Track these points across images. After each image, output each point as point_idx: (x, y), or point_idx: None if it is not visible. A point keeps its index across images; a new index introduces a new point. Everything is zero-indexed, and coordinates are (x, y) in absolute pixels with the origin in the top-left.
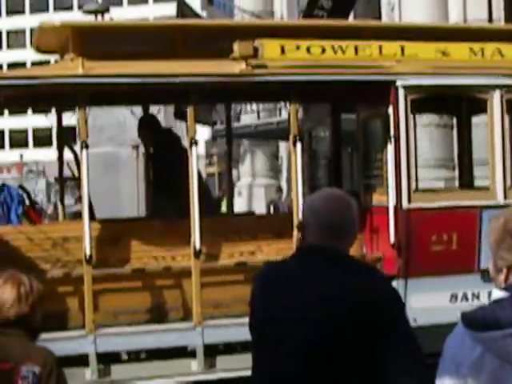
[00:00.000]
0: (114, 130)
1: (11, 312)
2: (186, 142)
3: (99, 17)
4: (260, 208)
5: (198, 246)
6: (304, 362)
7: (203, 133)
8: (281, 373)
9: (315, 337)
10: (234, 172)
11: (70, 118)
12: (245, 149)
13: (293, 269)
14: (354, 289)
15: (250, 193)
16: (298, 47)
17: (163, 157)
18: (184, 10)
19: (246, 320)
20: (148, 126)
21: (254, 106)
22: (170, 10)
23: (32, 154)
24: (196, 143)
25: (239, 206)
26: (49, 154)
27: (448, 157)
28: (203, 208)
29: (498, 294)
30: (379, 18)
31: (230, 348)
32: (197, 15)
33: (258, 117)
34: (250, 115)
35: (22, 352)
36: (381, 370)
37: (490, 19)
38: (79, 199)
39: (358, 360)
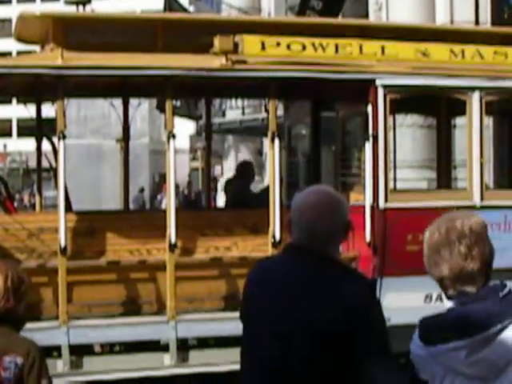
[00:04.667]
0: (99, 121)
1: None
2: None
3: (80, 8)
4: None
5: (173, 239)
6: (289, 356)
7: (188, 127)
8: (269, 367)
9: (292, 337)
10: (218, 167)
11: (49, 109)
12: (229, 144)
13: (277, 268)
14: (339, 292)
15: None
16: (278, 44)
17: None
18: (171, 3)
19: (220, 315)
20: None
21: (240, 102)
22: (158, 3)
23: (16, 144)
24: (174, 137)
25: (223, 201)
26: (32, 145)
27: (431, 158)
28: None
29: (448, 303)
30: (367, 17)
31: (203, 342)
32: (184, 10)
33: (243, 113)
34: (235, 111)
35: (5, 343)
36: (356, 375)
37: (477, 21)
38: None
39: (332, 364)
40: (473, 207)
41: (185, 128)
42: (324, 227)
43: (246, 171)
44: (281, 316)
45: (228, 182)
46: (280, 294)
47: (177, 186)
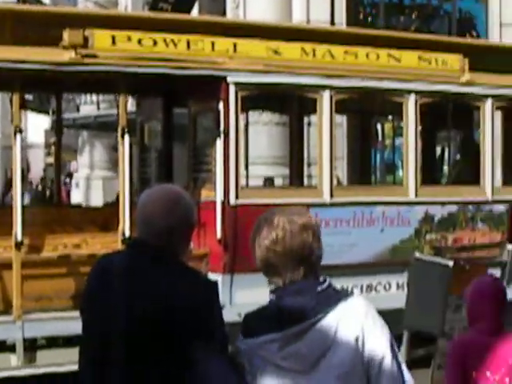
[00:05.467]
0: None
1: None
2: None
3: None
4: (97, 200)
5: (19, 237)
6: (124, 355)
7: (43, 121)
8: (104, 364)
9: (131, 333)
10: (74, 163)
11: None
12: (84, 140)
13: (117, 264)
14: (172, 290)
15: (88, 185)
16: (129, 38)
17: None
18: None
19: (69, 314)
20: None
21: (94, 97)
22: None
23: None
24: (21, 131)
25: (76, 197)
26: None
27: (286, 155)
28: None
29: (269, 296)
30: (224, 15)
31: (52, 342)
32: (38, 1)
33: (98, 108)
34: (89, 106)
35: None
36: (193, 373)
37: (333, 21)
38: None
39: (167, 361)
40: (323, 204)
41: (40, 122)
42: (164, 223)
43: None
44: (117, 312)
45: None
46: (117, 289)
47: (30, 182)
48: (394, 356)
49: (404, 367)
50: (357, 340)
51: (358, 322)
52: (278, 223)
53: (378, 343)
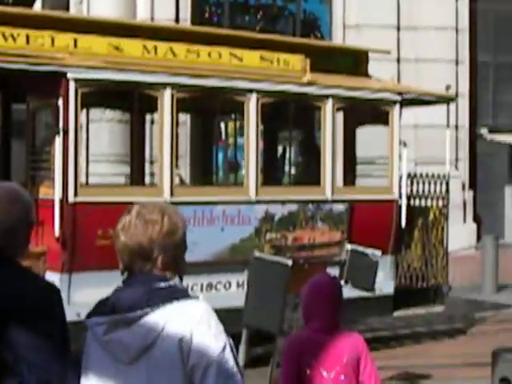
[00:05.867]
0: None
1: None
2: None
3: None
4: None
5: None
6: None
7: None
8: None
9: None
10: None
11: None
12: None
13: None
14: (8, 292)
15: None
16: None
17: None
18: None
19: None
20: None
21: None
22: None
23: None
24: None
25: None
26: None
27: (128, 153)
28: None
29: None
30: (67, 10)
31: None
32: None
33: None
34: None
35: None
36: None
37: (178, 20)
38: None
39: (6, 365)
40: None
41: None
42: (1, 223)
43: None
44: None
45: None
46: None
47: None
48: (224, 366)
49: (238, 377)
50: (181, 342)
51: (188, 325)
52: (130, 213)
53: (205, 351)
